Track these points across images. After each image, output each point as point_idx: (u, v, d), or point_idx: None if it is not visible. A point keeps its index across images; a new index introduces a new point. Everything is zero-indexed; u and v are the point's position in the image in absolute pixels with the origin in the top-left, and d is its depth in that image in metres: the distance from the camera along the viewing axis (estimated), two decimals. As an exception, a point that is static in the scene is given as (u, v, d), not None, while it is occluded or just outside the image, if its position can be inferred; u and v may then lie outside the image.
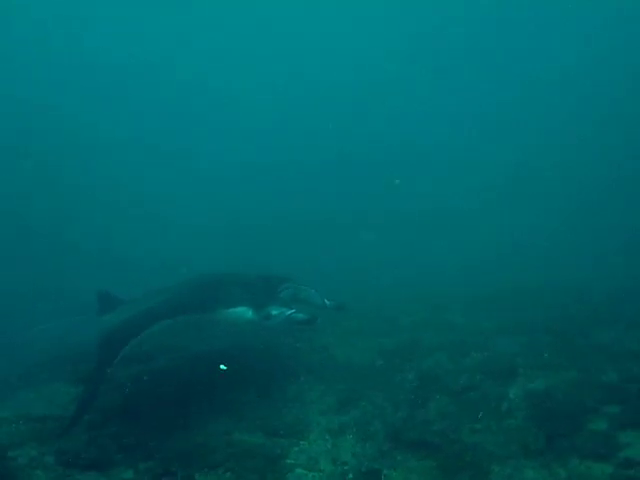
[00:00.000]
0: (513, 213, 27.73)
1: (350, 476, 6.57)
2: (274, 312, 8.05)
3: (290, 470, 6.70)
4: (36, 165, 33.35)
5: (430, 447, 6.93)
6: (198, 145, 40.98)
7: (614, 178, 28.72)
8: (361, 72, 43.26)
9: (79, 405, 6.96)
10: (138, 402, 8.42)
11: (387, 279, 18.21)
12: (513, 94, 39.69)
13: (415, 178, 32.12)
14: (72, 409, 7.20)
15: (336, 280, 15.18)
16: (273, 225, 27.73)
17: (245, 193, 33.74)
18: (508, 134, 37.06)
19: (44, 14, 39.11)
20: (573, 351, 9.24)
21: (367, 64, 43.05)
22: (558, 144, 34.24)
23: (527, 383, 8.29)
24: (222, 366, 8.56)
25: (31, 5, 38.60)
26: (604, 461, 6.37)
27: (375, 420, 7.67)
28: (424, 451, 6.87)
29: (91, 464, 6.74)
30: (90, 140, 38.16)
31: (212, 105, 44.81)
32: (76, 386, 8.70)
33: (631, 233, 20.80)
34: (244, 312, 8.04)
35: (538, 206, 28.02)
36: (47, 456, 6.92)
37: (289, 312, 8.06)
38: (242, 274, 9.19)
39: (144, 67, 42.81)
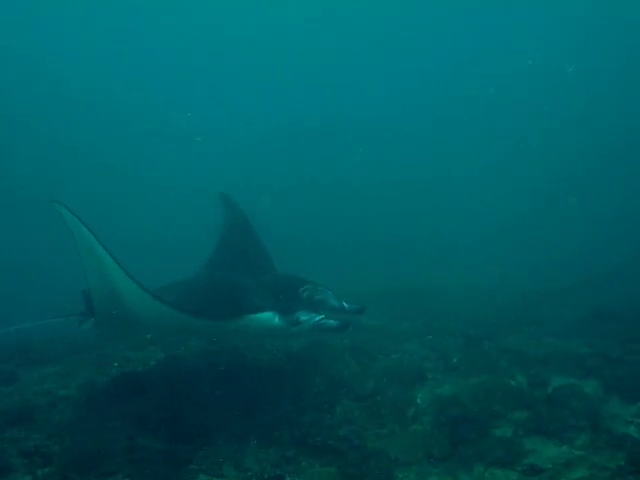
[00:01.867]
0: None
1: None
2: (303, 318, 7.36)
3: (193, 476, 6.55)
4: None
5: (335, 452, 6.84)
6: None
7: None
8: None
9: None
10: (38, 405, 8.18)
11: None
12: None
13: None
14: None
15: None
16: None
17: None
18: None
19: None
20: (482, 355, 9.29)
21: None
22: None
23: (435, 388, 8.34)
24: None
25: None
26: (508, 468, 6.44)
27: (281, 425, 7.48)
28: (329, 456, 6.79)
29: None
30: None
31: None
32: None
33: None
34: (270, 318, 7.31)
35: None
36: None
37: (318, 318, 7.38)
38: (258, 272, 8.57)
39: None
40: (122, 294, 6.44)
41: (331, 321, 7.35)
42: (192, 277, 9.14)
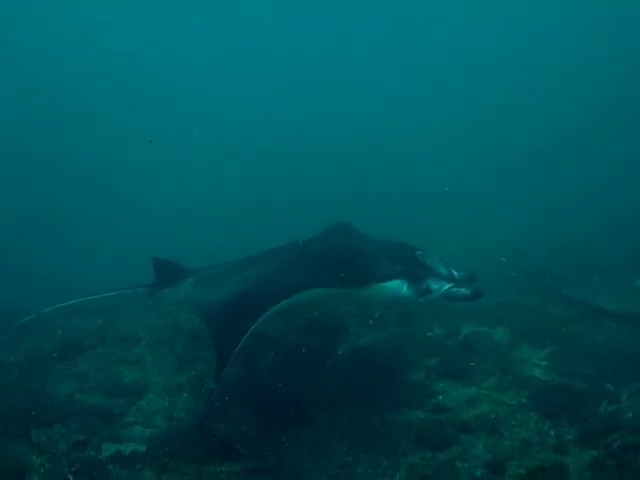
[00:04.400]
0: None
1: (185, 429, 7.06)
2: (434, 286, 6.83)
3: (127, 426, 7.21)
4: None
5: (259, 400, 7.41)
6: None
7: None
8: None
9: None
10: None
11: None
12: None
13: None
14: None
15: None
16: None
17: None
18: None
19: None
20: (405, 311, 9.76)
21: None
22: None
23: (356, 340, 8.80)
24: None
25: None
26: (418, 408, 7.09)
27: (209, 379, 7.91)
28: (253, 405, 7.36)
29: None
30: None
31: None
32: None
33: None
34: (399, 287, 6.77)
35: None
36: None
37: (448, 286, 6.90)
38: (363, 237, 7.94)
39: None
40: None
41: (463, 289, 6.92)
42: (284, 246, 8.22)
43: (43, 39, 39.72)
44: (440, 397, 7.25)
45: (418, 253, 7.09)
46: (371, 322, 8.97)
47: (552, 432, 6.44)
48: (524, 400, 7.04)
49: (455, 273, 7.02)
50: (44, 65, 40.03)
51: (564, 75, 37.44)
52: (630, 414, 6.56)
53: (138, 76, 42.40)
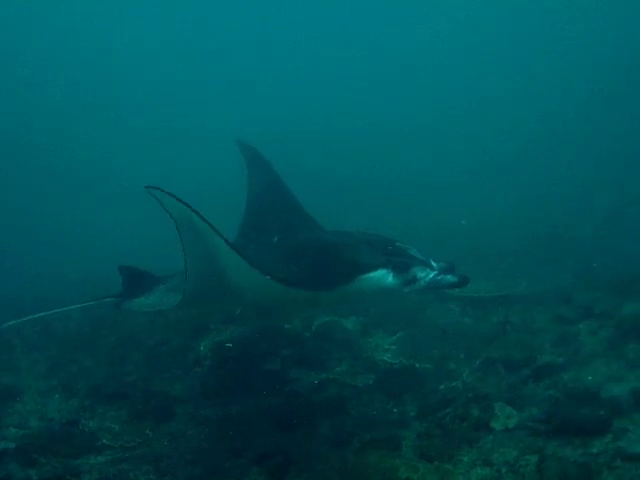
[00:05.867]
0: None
1: (56, 427, 7.53)
2: (420, 274, 6.46)
3: (2, 429, 7.62)
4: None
5: (124, 397, 7.95)
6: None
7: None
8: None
9: None
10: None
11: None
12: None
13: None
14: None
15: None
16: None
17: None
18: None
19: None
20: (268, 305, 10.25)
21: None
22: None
23: (216, 336, 9.23)
24: None
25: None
26: (274, 395, 7.59)
27: (80, 379, 8.63)
28: (120, 401, 7.87)
29: None
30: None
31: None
32: None
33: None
34: (383, 277, 6.38)
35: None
36: None
37: (433, 274, 6.51)
38: (342, 232, 7.40)
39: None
40: (228, 271, 5.66)
41: (449, 276, 6.51)
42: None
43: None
44: (293, 384, 7.83)
45: (397, 244, 6.76)
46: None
47: (395, 409, 7.08)
48: (371, 382, 7.68)
49: (434, 264, 6.62)
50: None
51: (562, 72, 39.05)
52: (465, 389, 7.29)
53: (135, 70, 43.69)
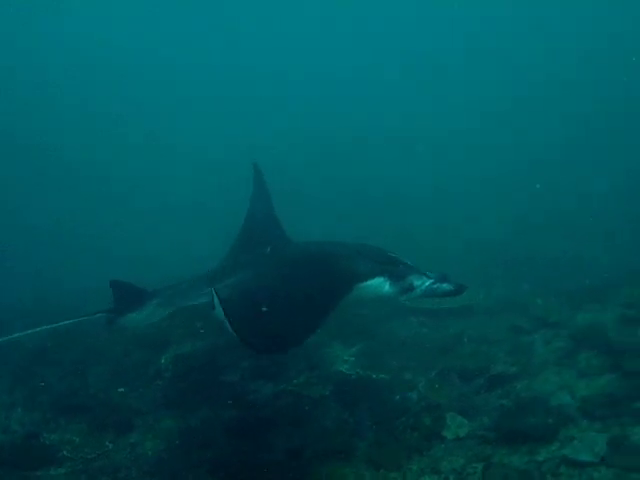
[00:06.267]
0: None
1: (17, 440, 7.67)
2: (417, 282, 6.60)
3: None
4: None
5: (86, 410, 8.05)
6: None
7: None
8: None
9: None
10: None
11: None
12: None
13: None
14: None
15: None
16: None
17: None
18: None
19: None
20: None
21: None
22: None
23: (177, 349, 9.33)
24: None
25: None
26: (232, 408, 7.75)
27: (42, 393, 8.71)
28: (81, 414, 7.99)
29: None
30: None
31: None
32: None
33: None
34: (380, 285, 6.51)
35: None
36: None
37: (429, 282, 6.64)
38: (336, 242, 7.53)
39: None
40: None
41: (445, 285, 6.67)
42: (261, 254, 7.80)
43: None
44: (251, 395, 7.98)
45: (389, 254, 6.90)
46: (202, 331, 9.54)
47: (350, 419, 7.25)
48: (327, 393, 7.83)
49: (430, 273, 6.76)
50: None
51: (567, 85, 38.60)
52: (420, 399, 7.52)
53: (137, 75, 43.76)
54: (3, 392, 9.00)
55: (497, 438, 6.38)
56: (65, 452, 7.22)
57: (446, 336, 9.46)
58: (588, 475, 5.63)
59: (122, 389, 8.45)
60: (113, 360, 9.32)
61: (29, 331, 7.35)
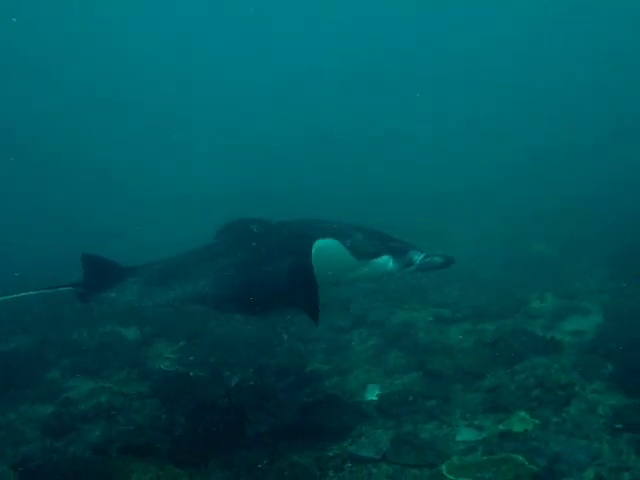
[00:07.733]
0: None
1: None
2: (416, 257, 6.58)
3: None
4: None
5: None
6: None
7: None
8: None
9: None
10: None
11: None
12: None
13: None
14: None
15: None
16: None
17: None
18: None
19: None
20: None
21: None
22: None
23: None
24: None
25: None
26: (48, 402, 7.99)
27: None
28: None
29: None
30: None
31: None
32: None
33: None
34: (386, 262, 6.45)
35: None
36: None
37: (422, 255, 6.64)
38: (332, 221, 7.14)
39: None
40: None
41: (436, 257, 6.68)
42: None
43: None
44: (69, 392, 8.23)
45: (383, 231, 6.83)
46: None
47: (164, 416, 7.58)
48: (144, 389, 8.16)
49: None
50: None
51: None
52: (229, 396, 7.84)
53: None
54: None
55: (294, 435, 6.81)
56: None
57: (267, 334, 9.89)
58: (368, 471, 6.17)
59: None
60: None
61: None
